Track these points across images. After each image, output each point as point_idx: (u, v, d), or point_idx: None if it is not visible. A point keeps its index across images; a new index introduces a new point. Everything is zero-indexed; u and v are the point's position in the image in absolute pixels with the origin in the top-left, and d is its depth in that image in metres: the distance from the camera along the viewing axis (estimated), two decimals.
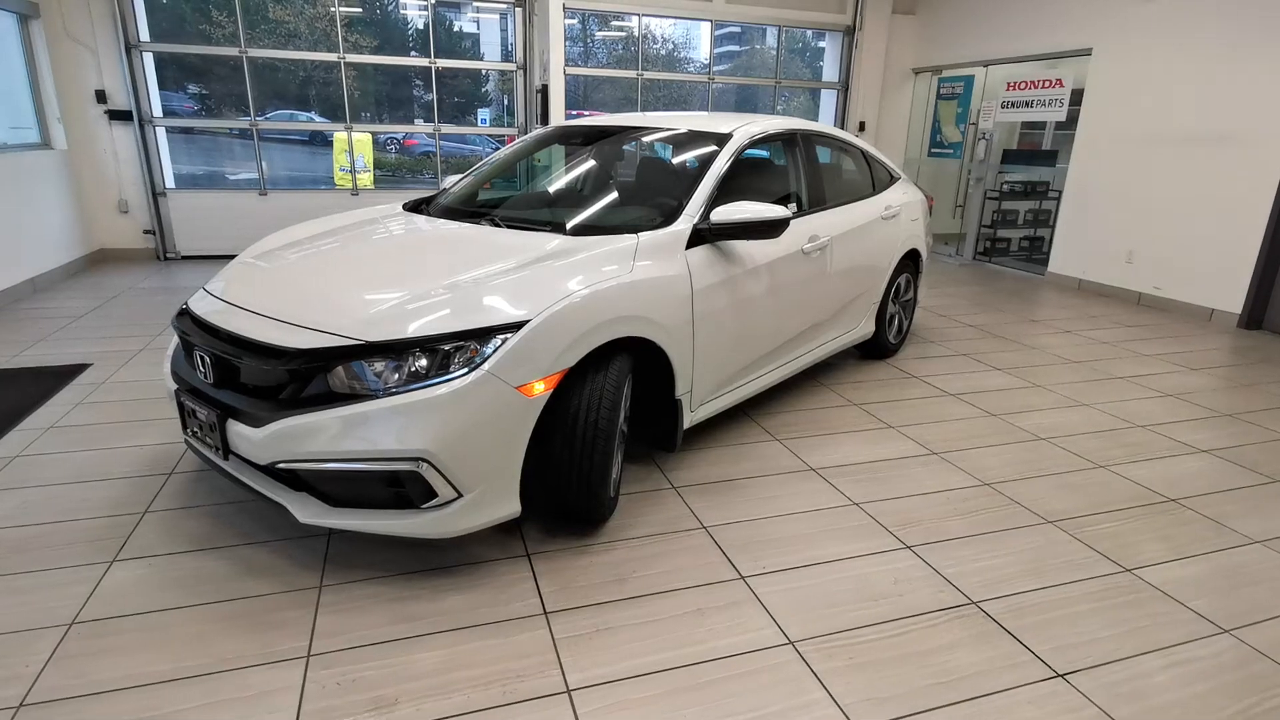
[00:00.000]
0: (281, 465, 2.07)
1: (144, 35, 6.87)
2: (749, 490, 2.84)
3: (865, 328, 4.20)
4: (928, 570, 2.34)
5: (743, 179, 3.26)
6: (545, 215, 3.05)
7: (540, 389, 2.14)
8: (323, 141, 7.52)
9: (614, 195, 3.32)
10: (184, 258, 7.29)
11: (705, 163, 3.04)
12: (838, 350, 4.01)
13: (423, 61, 7.55)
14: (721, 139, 3.19)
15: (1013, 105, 7.68)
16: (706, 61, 8.96)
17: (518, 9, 7.65)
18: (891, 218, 4.15)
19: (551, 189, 3.46)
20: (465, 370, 2.04)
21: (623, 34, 8.19)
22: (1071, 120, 7.14)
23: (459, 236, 2.78)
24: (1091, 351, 4.88)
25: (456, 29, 8.18)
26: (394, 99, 8.18)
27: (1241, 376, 4.47)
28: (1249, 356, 4.92)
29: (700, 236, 2.82)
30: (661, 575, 2.27)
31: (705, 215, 2.82)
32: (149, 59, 7.00)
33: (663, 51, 8.52)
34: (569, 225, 2.84)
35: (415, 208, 3.33)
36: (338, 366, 2.06)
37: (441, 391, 2.00)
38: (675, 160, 3.34)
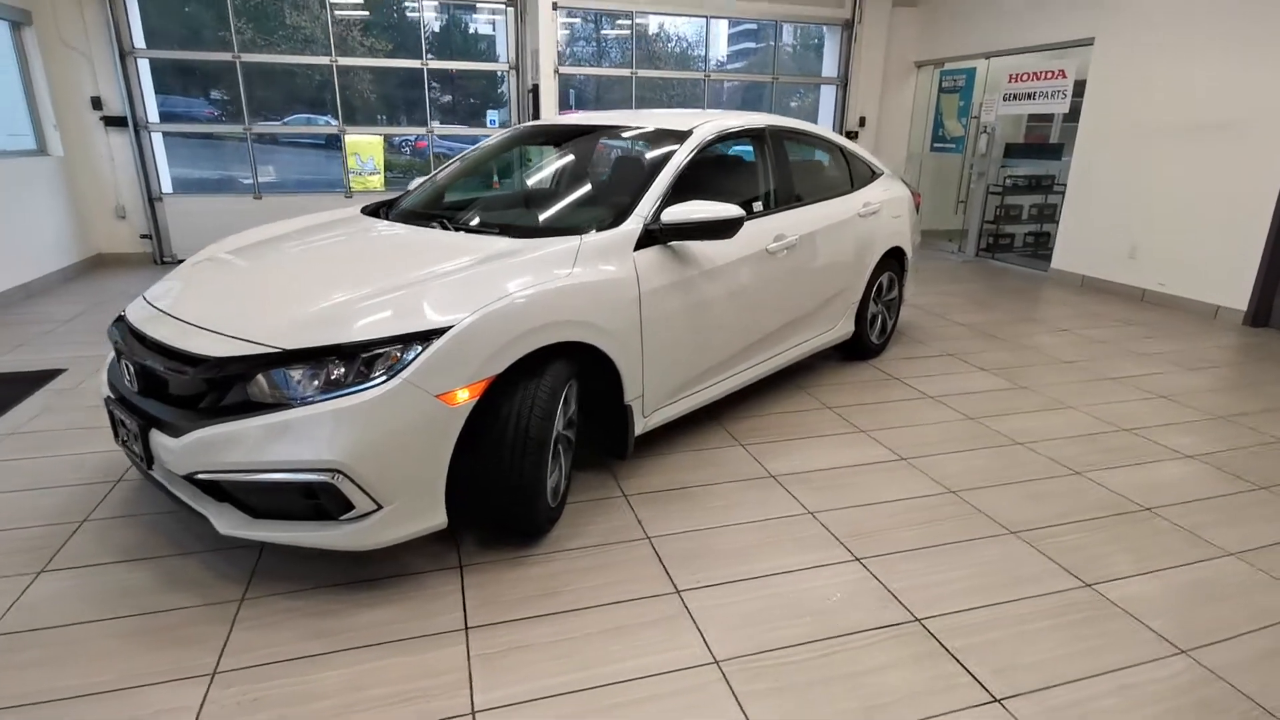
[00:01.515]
0: (199, 476, 2.03)
1: (139, 42, 6.92)
2: (702, 498, 2.75)
3: (844, 328, 4.08)
4: (874, 584, 2.24)
5: (705, 177, 3.17)
6: (497, 217, 3.00)
7: (464, 397, 2.07)
8: (337, 145, 7.59)
9: (568, 196, 3.25)
10: (181, 261, 7.33)
11: (661, 162, 2.96)
12: (815, 351, 3.90)
13: (414, 63, 7.53)
14: (681, 137, 3.11)
15: (1014, 98, 7.49)
16: (723, 59, 8.88)
17: (510, 9, 7.61)
18: (870, 215, 4.03)
19: (509, 191, 3.40)
20: (384, 378, 1.98)
21: (633, 32, 8.11)
22: (1076, 112, 6.94)
23: (403, 241, 2.73)
24: (1086, 351, 4.72)
25: (471, 30, 8.15)
26: (409, 101, 8.23)
27: (1241, 376, 4.29)
28: (1251, 355, 4.73)
29: (652, 237, 2.74)
30: (594, 589, 2.19)
31: (657, 215, 2.74)
32: (145, 65, 7.05)
33: (676, 50, 8.40)
34: (516, 227, 2.78)
35: (374, 211, 3.28)
36: (258, 375, 2.02)
37: (356, 401, 1.94)
38: (633, 160, 3.26)
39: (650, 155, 3.09)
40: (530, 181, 3.55)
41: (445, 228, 2.83)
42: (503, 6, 7.63)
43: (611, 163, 3.36)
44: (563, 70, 7.91)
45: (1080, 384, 4.10)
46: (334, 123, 7.51)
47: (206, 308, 2.28)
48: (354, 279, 2.30)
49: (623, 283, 2.56)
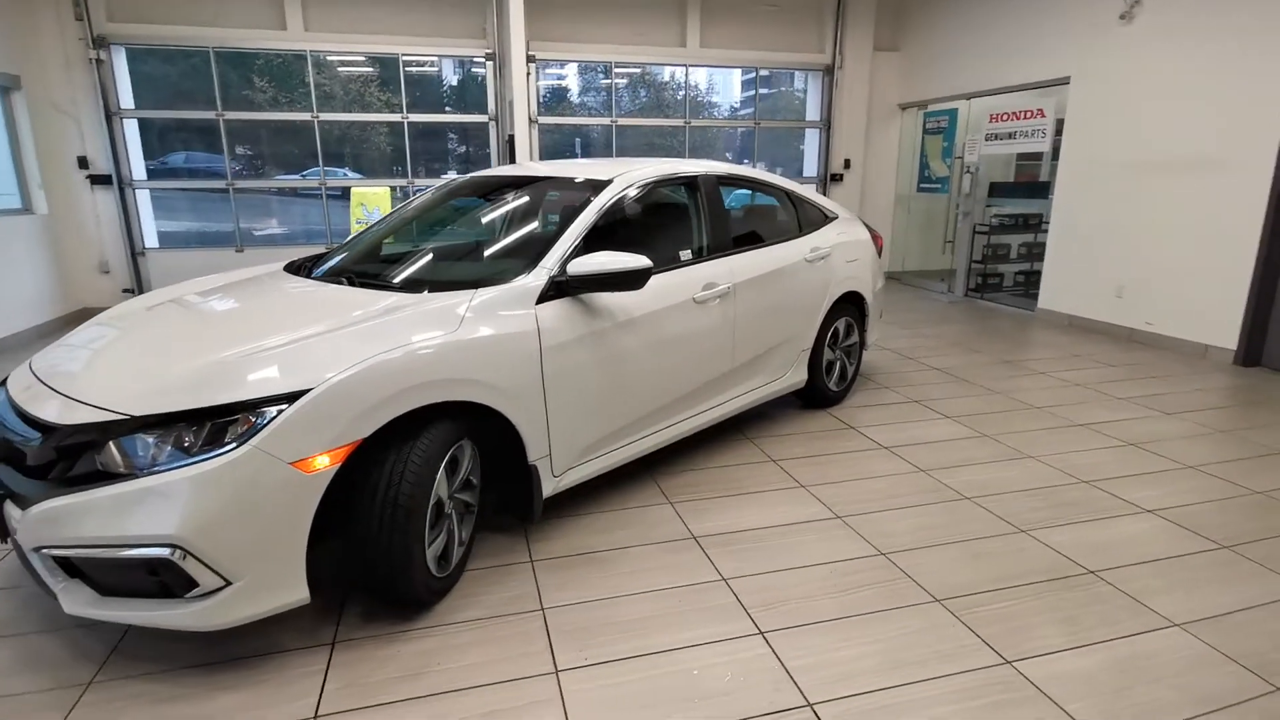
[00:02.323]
0: (43, 550, 1.93)
1: (126, 103, 7.10)
2: (614, 563, 2.60)
3: (795, 376, 3.94)
4: (773, 662, 2.06)
5: (628, 228, 3.10)
6: (402, 273, 2.90)
7: (323, 464, 1.96)
8: (345, 196, 7.76)
9: (481, 249, 3.17)
10: None
11: (573, 213, 2.89)
12: (762, 401, 3.76)
13: (395, 117, 7.65)
14: (599, 188, 3.04)
15: (996, 137, 7.41)
16: (736, 105, 8.94)
17: (489, 62, 7.73)
18: (820, 259, 3.92)
19: (427, 244, 3.31)
20: (234, 445, 1.88)
21: (611, 81, 8.19)
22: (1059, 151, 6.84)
23: (299, 299, 2.64)
24: (1060, 395, 4.52)
25: (479, 81, 8.28)
26: (430, 152, 8.41)
27: (1221, 421, 4.06)
28: (1238, 398, 4.50)
29: (562, 290, 2.65)
30: (467, 669, 2.04)
31: (565, 267, 2.66)
32: (132, 125, 7.23)
33: (691, 97, 8.46)
34: (418, 282, 2.70)
35: (298, 268, 3.22)
36: (109, 444, 1.92)
37: (198, 470, 1.83)
38: (549, 211, 3.19)
39: (566, 207, 3.02)
40: (451, 234, 3.48)
41: (351, 283, 2.76)
42: (483, 60, 7.76)
43: (530, 215, 3.29)
44: (541, 120, 8.01)
45: (1047, 432, 3.90)
46: (317, 175, 7.62)
47: (78, 373, 2.21)
48: (230, 339, 2.22)
49: (520, 338, 2.45)
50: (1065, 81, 6.58)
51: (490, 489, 2.69)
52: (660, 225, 3.39)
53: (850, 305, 4.26)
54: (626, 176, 3.12)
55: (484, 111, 7.91)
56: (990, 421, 4.05)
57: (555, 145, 8.47)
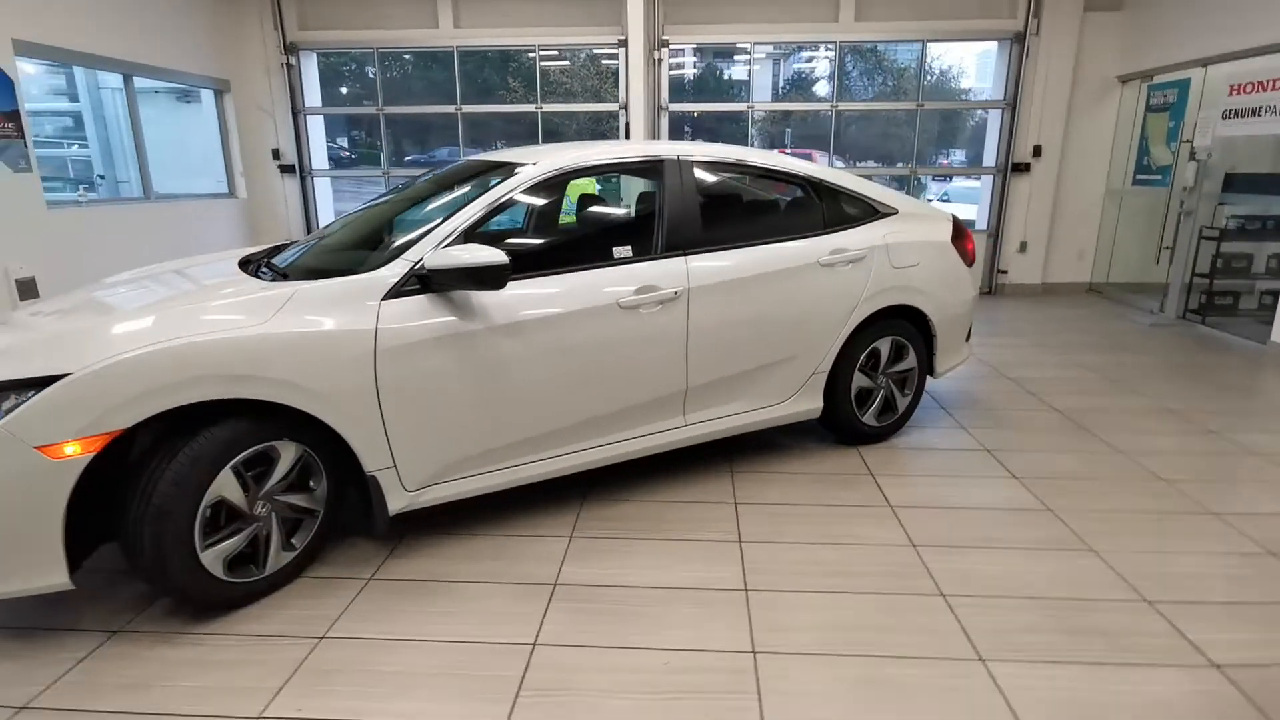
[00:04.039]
0: None
1: (310, 101, 8.05)
2: (443, 598, 2.29)
3: (803, 404, 3.25)
4: None
5: (544, 220, 2.72)
6: (306, 260, 2.75)
7: (71, 451, 1.91)
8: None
9: (375, 237, 2.91)
10: None
11: (464, 202, 2.58)
12: (750, 429, 3.14)
13: (529, 107, 7.81)
14: (509, 172, 2.70)
15: (1236, 114, 5.62)
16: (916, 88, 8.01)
17: (621, 49, 7.55)
18: (846, 263, 3.19)
19: (348, 233, 3.08)
20: None
21: (751, 64, 7.64)
22: None
23: (184, 288, 2.55)
24: (1212, 467, 3.25)
25: (726, 75, 8.18)
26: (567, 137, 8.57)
27: None
28: None
29: (427, 284, 2.38)
30: (190, 693, 1.88)
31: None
32: (315, 121, 8.19)
33: (841, 76, 7.67)
34: (304, 269, 2.58)
35: (247, 261, 3.00)
36: None
37: None
38: (453, 200, 2.86)
39: (467, 195, 2.72)
40: (375, 225, 3.19)
41: (258, 275, 2.69)
42: (616, 47, 7.61)
43: (443, 205, 2.97)
44: (672, 108, 7.67)
45: (1150, 517, 2.80)
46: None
47: None
48: (57, 322, 2.23)
49: (348, 335, 2.23)
50: None
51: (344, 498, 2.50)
52: (593, 218, 2.94)
53: (903, 321, 3.43)
54: (549, 162, 2.73)
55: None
56: (1073, 491, 3.02)
57: (690, 133, 8.08)
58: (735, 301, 2.93)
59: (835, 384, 3.31)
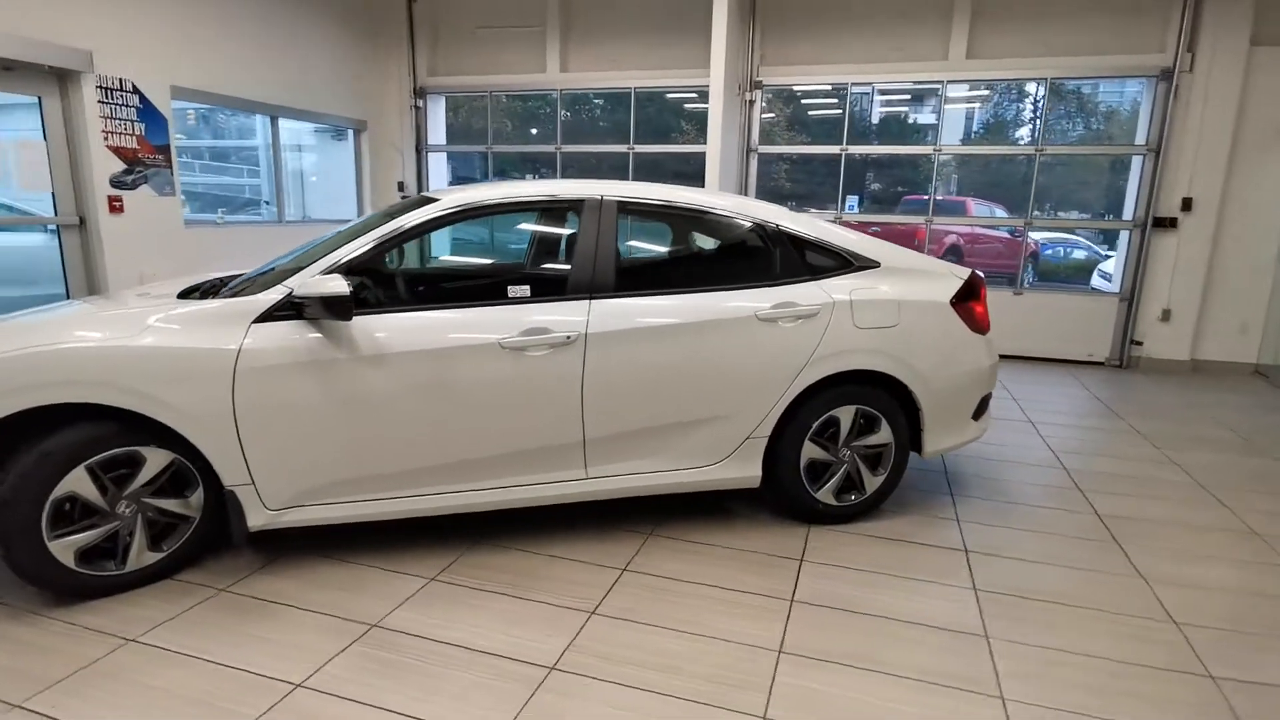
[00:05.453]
0: None
1: (434, 140, 8.78)
2: (266, 622, 2.30)
3: (737, 470, 2.93)
4: None
5: (463, 254, 2.70)
6: (240, 284, 2.91)
7: None
8: None
9: (296, 264, 3.01)
10: None
11: (361, 231, 2.66)
12: (675, 490, 2.89)
13: (622, 147, 7.94)
14: (426, 205, 2.73)
15: None
16: (1033, 132, 7.29)
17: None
18: (797, 319, 2.87)
19: (299, 260, 3.17)
20: None
21: (846, 105, 7.25)
22: None
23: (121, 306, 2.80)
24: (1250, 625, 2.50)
25: (911, 120, 7.83)
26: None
27: None
28: None
29: (300, 311, 2.46)
30: None
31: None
32: (438, 157, 8.92)
33: (945, 116, 7.06)
34: (234, 291, 2.76)
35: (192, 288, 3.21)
36: None
37: None
38: (360, 230, 2.88)
39: (374, 224, 2.78)
40: (322, 252, 3.26)
41: (204, 297, 2.89)
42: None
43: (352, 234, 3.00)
44: (761, 150, 7.45)
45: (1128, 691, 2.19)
46: None
47: None
48: None
49: (210, 355, 2.35)
50: None
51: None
52: (499, 256, 2.88)
53: (876, 389, 3.02)
54: (450, 199, 2.73)
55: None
56: (1026, 620, 2.44)
57: (781, 178, 7.80)
58: (645, 351, 2.73)
59: (779, 452, 2.97)
